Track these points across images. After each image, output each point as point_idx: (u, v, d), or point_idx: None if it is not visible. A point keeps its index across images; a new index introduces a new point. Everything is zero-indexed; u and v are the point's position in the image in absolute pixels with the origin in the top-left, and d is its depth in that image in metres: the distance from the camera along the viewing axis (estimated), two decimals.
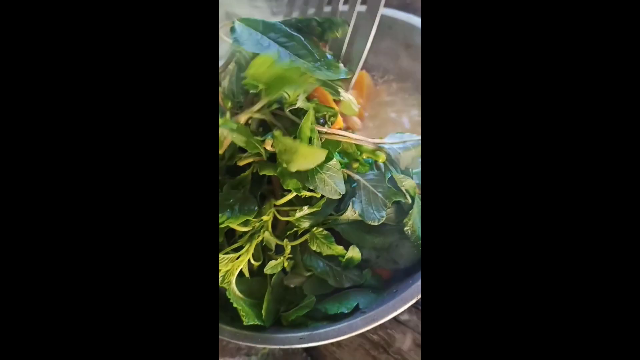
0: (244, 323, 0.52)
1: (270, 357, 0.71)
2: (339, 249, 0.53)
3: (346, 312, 0.52)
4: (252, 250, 0.53)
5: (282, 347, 0.51)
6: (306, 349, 0.70)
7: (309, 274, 0.56)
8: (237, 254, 0.53)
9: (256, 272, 0.57)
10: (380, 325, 0.66)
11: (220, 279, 0.52)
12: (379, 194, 0.52)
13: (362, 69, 0.75)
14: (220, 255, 0.51)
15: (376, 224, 0.51)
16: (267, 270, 0.53)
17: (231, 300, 0.51)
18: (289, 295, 0.56)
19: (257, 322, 0.52)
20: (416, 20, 0.72)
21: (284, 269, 0.56)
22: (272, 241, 0.54)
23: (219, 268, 0.52)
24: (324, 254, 0.54)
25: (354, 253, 0.53)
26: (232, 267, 0.52)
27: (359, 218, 0.53)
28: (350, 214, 0.53)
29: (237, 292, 0.52)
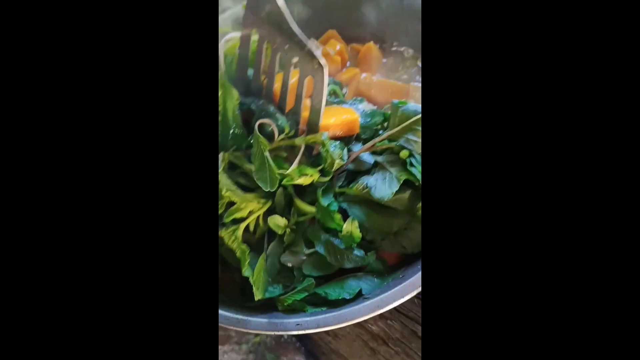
0: (242, 271, 0.51)
1: (262, 346, 0.69)
2: (338, 218, 0.52)
3: (348, 297, 0.50)
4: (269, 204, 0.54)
5: (276, 333, 0.49)
6: (300, 339, 0.69)
7: (309, 251, 0.54)
8: (257, 200, 0.53)
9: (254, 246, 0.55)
10: (380, 316, 0.65)
11: (226, 215, 0.52)
12: (393, 172, 0.53)
13: (370, 40, 0.75)
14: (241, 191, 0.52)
15: (386, 199, 0.51)
16: (270, 223, 0.53)
17: (234, 248, 0.51)
18: (285, 275, 0.54)
19: (250, 276, 0.51)
20: None
21: (283, 245, 0.55)
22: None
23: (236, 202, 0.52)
24: (326, 225, 0.53)
25: (352, 227, 0.52)
26: (245, 206, 0.52)
27: (367, 196, 0.53)
28: (361, 187, 0.53)
29: (240, 235, 0.52)
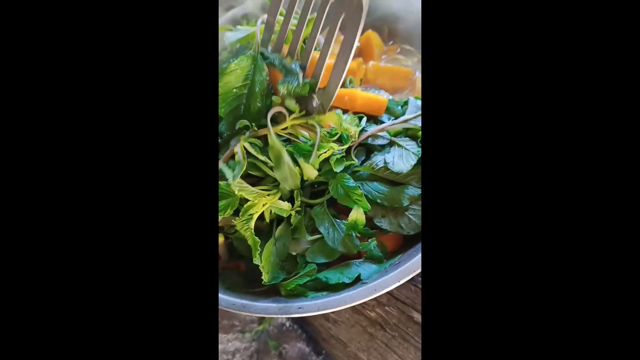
0: (254, 260, 0.53)
1: (265, 334, 0.72)
2: (358, 194, 0.55)
3: (347, 282, 0.53)
4: (279, 195, 0.56)
5: (279, 316, 0.52)
6: (301, 326, 0.72)
7: (311, 238, 0.57)
8: (266, 192, 0.55)
9: (264, 231, 0.59)
10: (378, 303, 0.68)
11: (242, 211, 0.54)
12: (410, 148, 0.57)
13: (370, 29, 0.77)
14: (253, 188, 0.54)
15: (404, 172, 0.55)
16: (274, 210, 0.55)
17: (246, 237, 0.53)
18: (288, 262, 0.57)
19: (260, 263, 0.54)
20: None
21: (290, 228, 0.58)
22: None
23: (250, 199, 0.54)
24: (339, 202, 0.56)
25: (358, 215, 0.55)
26: (259, 201, 0.54)
27: (380, 173, 0.57)
28: (376, 163, 0.57)
29: (252, 228, 0.54)
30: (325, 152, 0.55)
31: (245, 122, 0.59)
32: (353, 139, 0.58)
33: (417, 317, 0.66)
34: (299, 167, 0.55)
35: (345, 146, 0.58)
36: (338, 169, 0.56)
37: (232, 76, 0.58)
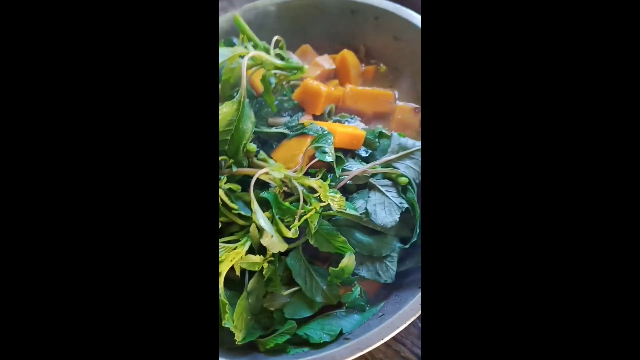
0: (223, 322, 0.51)
1: None
2: (341, 240, 0.52)
3: (329, 340, 0.51)
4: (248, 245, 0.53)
5: None
6: None
7: (287, 292, 0.54)
8: (233, 245, 0.52)
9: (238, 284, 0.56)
10: None
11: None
12: (393, 198, 0.54)
13: (345, 48, 0.73)
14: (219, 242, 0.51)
15: (388, 226, 0.53)
16: (245, 265, 0.52)
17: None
18: (264, 316, 0.54)
19: (230, 325, 0.51)
20: (406, 13, 0.70)
21: (263, 280, 0.55)
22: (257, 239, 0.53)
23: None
24: (320, 249, 0.54)
25: (349, 262, 0.53)
26: (226, 257, 0.51)
27: (359, 220, 0.54)
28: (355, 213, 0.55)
29: (222, 287, 0.51)
30: (307, 214, 0.52)
31: (224, 157, 0.55)
32: (336, 210, 0.54)
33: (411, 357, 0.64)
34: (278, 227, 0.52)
35: (325, 204, 0.53)
36: (315, 227, 0.52)
37: None
